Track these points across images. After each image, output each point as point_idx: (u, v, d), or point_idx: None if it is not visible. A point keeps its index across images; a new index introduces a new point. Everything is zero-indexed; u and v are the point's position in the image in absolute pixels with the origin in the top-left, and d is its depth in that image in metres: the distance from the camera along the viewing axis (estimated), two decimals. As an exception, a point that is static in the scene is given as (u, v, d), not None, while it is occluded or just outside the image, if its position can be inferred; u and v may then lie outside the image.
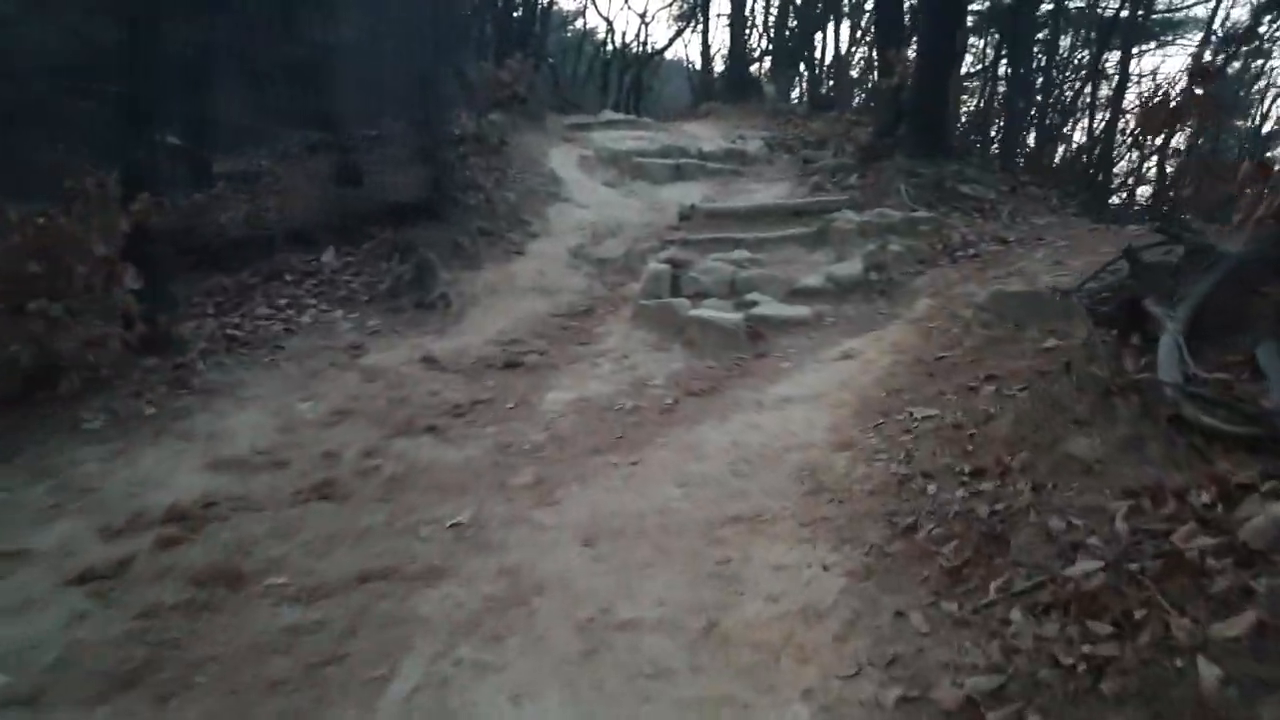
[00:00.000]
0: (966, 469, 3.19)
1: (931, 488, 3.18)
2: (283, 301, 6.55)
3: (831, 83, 14.38)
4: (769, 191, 9.61)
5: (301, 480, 4.10)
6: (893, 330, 5.48)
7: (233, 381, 5.34)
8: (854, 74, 14.01)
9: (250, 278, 6.88)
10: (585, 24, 25.20)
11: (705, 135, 13.81)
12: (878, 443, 3.76)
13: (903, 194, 7.50)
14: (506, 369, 5.60)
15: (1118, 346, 3.31)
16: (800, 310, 5.98)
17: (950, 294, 5.57)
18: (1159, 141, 9.17)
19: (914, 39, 9.35)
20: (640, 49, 25.69)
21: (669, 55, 27.65)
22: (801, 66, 17.68)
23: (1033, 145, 10.26)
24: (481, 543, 3.41)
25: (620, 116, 15.63)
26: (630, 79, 24.93)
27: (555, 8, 23.35)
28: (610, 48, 25.66)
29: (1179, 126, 6.01)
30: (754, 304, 6.13)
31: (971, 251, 6.21)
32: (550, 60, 22.88)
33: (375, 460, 4.30)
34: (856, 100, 13.33)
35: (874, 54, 13.60)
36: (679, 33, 26.83)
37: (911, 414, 3.85)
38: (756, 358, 5.47)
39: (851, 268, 6.43)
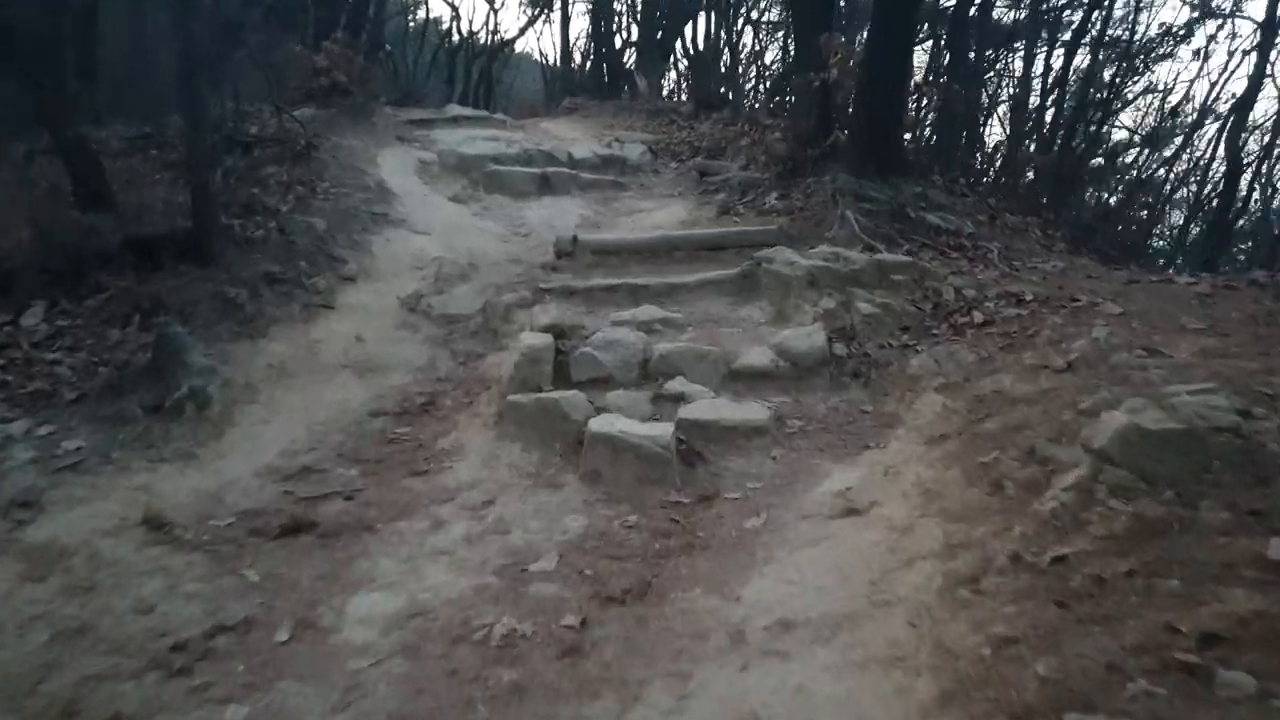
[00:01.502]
0: None
1: None
2: (-85, 405, 4.00)
3: (719, 78, 12.64)
4: (665, 213, 7.62)
5: None
6: (899, 450, 3.60)
7: None
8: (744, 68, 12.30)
9: None
10: (428, 11, 22.47)
11: (572, 137, 11.72)
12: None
13: (852, 223, 5.68)
14: (286, 537, 3.33)
15: None
16: (750, 410, 4.01)
17: (976, 390, 3.73)
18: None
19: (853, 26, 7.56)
20: (490, 38, 23.31)
21: (520, 48, 25.41)
22: (678, 59, 15.86)
23: (987, 160, 8.81)
24: None
25: (469, 112, 13.29)
26: (479, 70, 22.54)
27: (392, -12, 20.63)
28: (456, 36, 23.16)
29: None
30: (681, 397, 4.12)
31: (979, 317, 4.43)
32: (387, 48, 20.21)
33: None
34: (748, 99, 11.66)
35: (788, 43, 11.85)
36: (532, 20, 24.59)
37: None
38: (701, 502, 3.46)
39: (808, 337, 4.51)
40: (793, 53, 9.93)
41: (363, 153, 8.35)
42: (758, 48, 12.96)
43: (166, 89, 7.87)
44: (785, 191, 7.07)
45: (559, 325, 4.57)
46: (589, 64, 17.22)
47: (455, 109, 13.78)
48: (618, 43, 17.96)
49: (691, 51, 11.57)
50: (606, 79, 14.94)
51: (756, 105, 11.39)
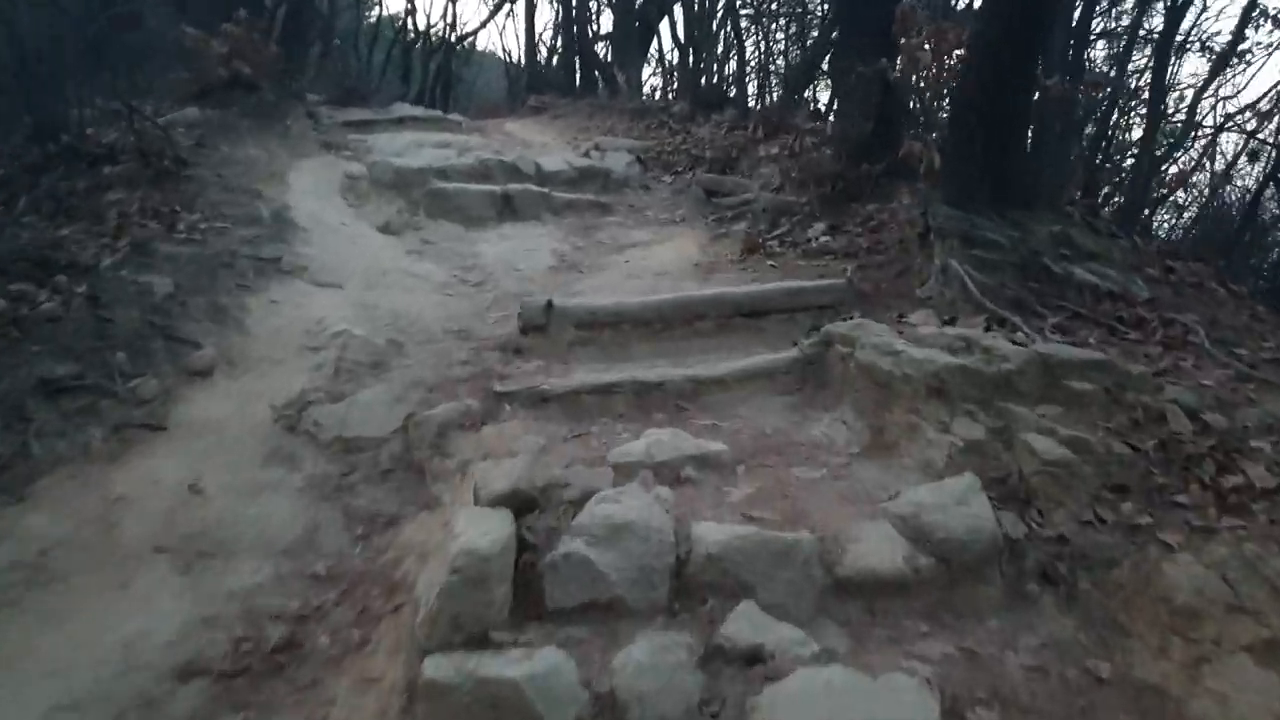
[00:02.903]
0: None
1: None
2: None
3: (719, 73, 10.63)
4: (668, 248, 5.67)
5: None
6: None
7: None
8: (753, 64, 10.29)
9: None
10: (382, 5, 20.28)
11: (541, 142, 9.75)
12: None
13: (962, 279, 3.78)
14: None
15: None
16: (900, 696, 2.07)
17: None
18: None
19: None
20: (448, 31, 21.19)
21: (485, 45, 23.34)
22: (660, 52, 13.90)
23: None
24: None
25: (419, 113, 11.23)
26: (437, 66, 20.42)
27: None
28: (412, 30, 21.02)
29: None
30: (755, 657, 2.18)
31: (1258, 473, 2.52)
32: (337, 42, 18.05)
33: None
34: (755, 98, 9.69)
35: (803, 31, 9.87)
36: (494, 12, 22.48)
37: None
38: None
39: (961, 505, 2.58)
40: (835, 36, 7.99)
41: (264, 167, 6.30)
42: (760, 36, 10.96)
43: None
44: (837, 223, 5.16)
45: (524, 492, 2.59)
46: (557, 58, 15.19)
47: (403, 108, 11.72)
48: (590, 33, 15.99)
49: (679, 41, 9.74)
50: (580, 74, 12.93)
51: (767, 104, 9.44)
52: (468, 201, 6.53)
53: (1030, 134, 4.63)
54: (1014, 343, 3.21)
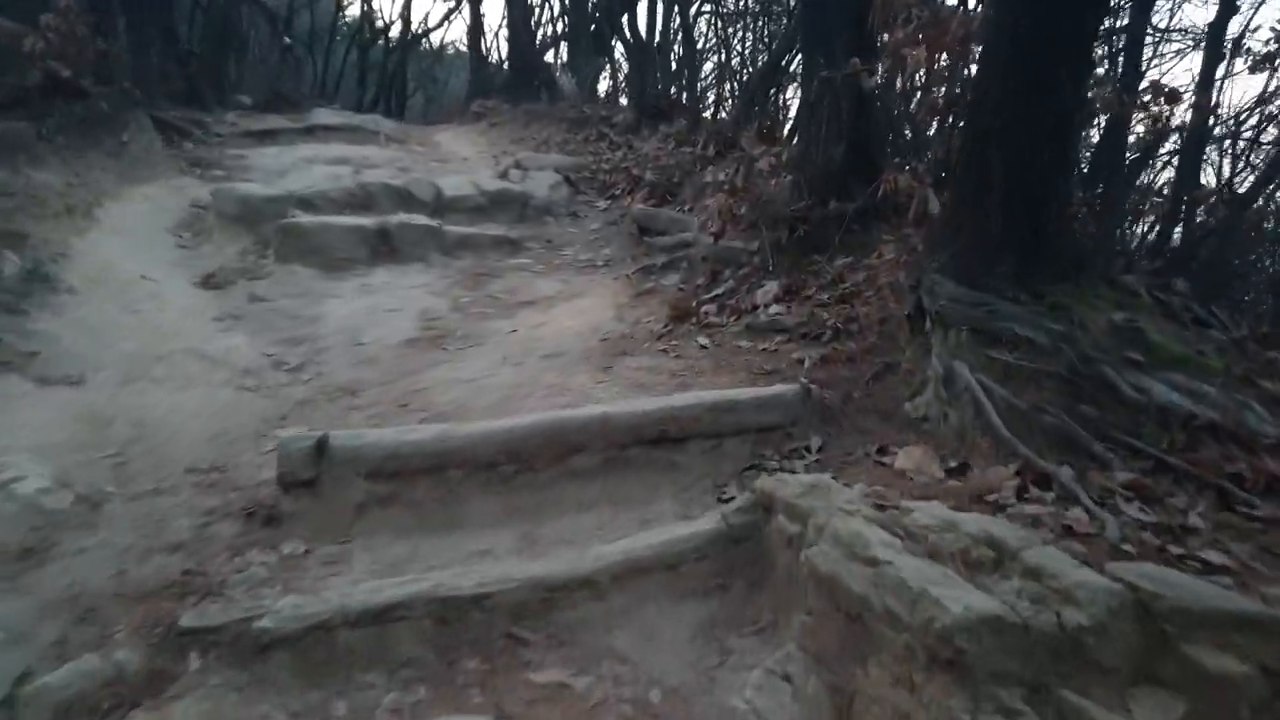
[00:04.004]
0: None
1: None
2: None
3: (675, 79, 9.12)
4: (572, 310, 4.24)
5: None
6: None
7: None
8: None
9: None
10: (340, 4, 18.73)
11: (463, 155, 8.34)
12: None
13: (981, 404, 2.38)
14: None
15: None
16: None
17: None
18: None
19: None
20: (404, 31, 19.76)
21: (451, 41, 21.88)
22: (617, 55, 12.48)
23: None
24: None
25: (337, 120, 9.84)
26: (391, 69, 18.98)
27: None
28: (366, 31, 19.57)
29: None
30: None
31: None
32: (287, 42, 16.59)
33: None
34: (712, 106, 8.20)
35: (768, 29, 8.38)
36: (453, 9, 21.01)
37: None
38: None
39: None
40: (798, 40, 6.56)
41: (57, 200, 4.82)
42: (725, 37, 9.46)
43: None
44: (794, 283, 3.75)
45: None
46: (508, 58, 13.76)
47: (322, 115, 10.31)
48: (543, 34, 14.60)
49: (628, 41, 8.34)
50: (525, 77, 11.47)
51: (726, 116, 7.99)
52: (331, 239, 5.09)
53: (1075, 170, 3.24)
54: (1083, 560, 1.80)
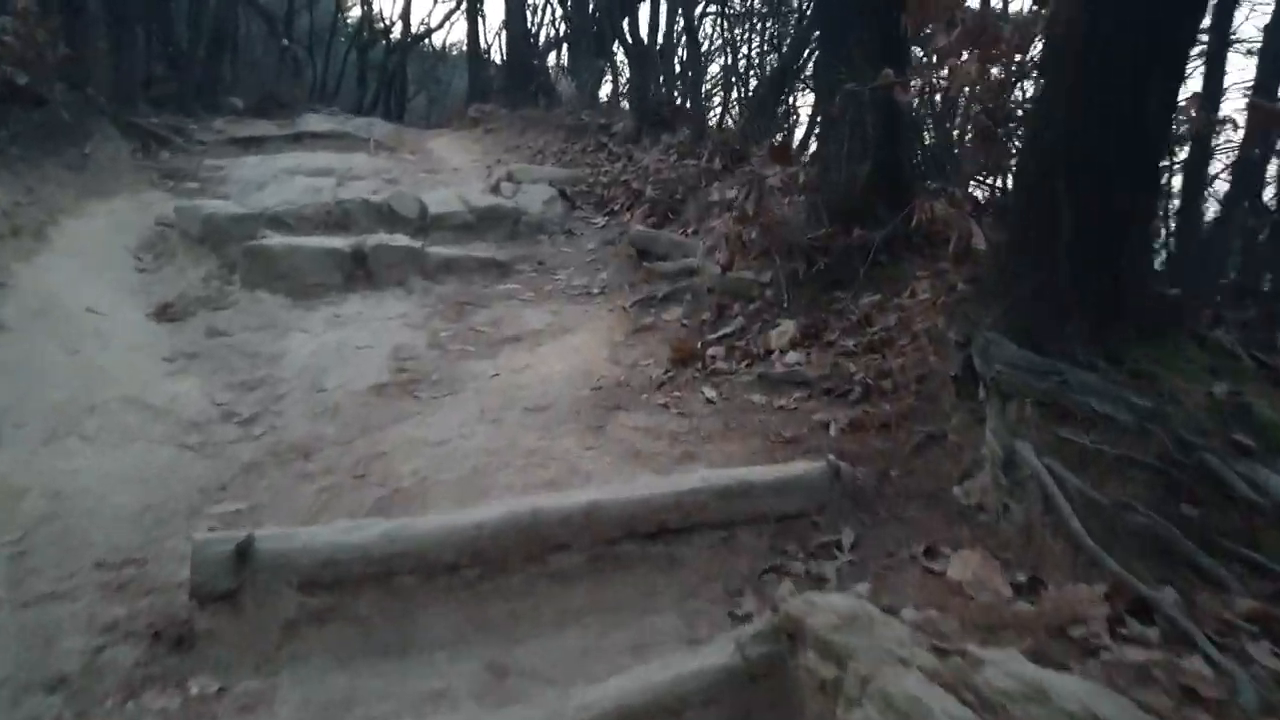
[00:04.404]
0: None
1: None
2: None
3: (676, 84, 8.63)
4: (566, 350, 3.77)
5: None
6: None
7: None
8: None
9: None
10: (339, 3, 18.30)
11: (455, 164, 7.90)
12: None
13: (1054, 497, 1.92)
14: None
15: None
16: None
17: None
18: None
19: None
20: (405, 32, 19.36)
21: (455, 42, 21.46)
22: (619, 57, 12.00)
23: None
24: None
25: (326, 127, 9.43)
26: (390, 71, 18.57)
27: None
28: (365, 31, 19.17)
29: None
30: None
31: None
32: (285, 43, 16.12)
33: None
34: (716, 112, 7.69)
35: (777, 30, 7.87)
36: (451, 12, 20.54)
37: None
38: None
39: None
40: (815, 33, 6.10)
41: (1, 221, 4.38)
42: (731, 40, 8.93)
43: None
44: (814, 323, 3.30)
45: None
46: (505, 60, 13.30)
47: (311, 121, 9.92)
48: (544, 36, 14.15)
49: (629, 43, 7.90)
50: (522, 81, 11.01)
51: (733, 125, 7.50)
52: (301, 263, 4.64)
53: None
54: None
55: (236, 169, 6.87)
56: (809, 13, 6.86)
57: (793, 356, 3.11)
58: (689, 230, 4.88)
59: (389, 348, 3.89)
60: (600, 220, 5.98)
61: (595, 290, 4.67)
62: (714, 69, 9.88)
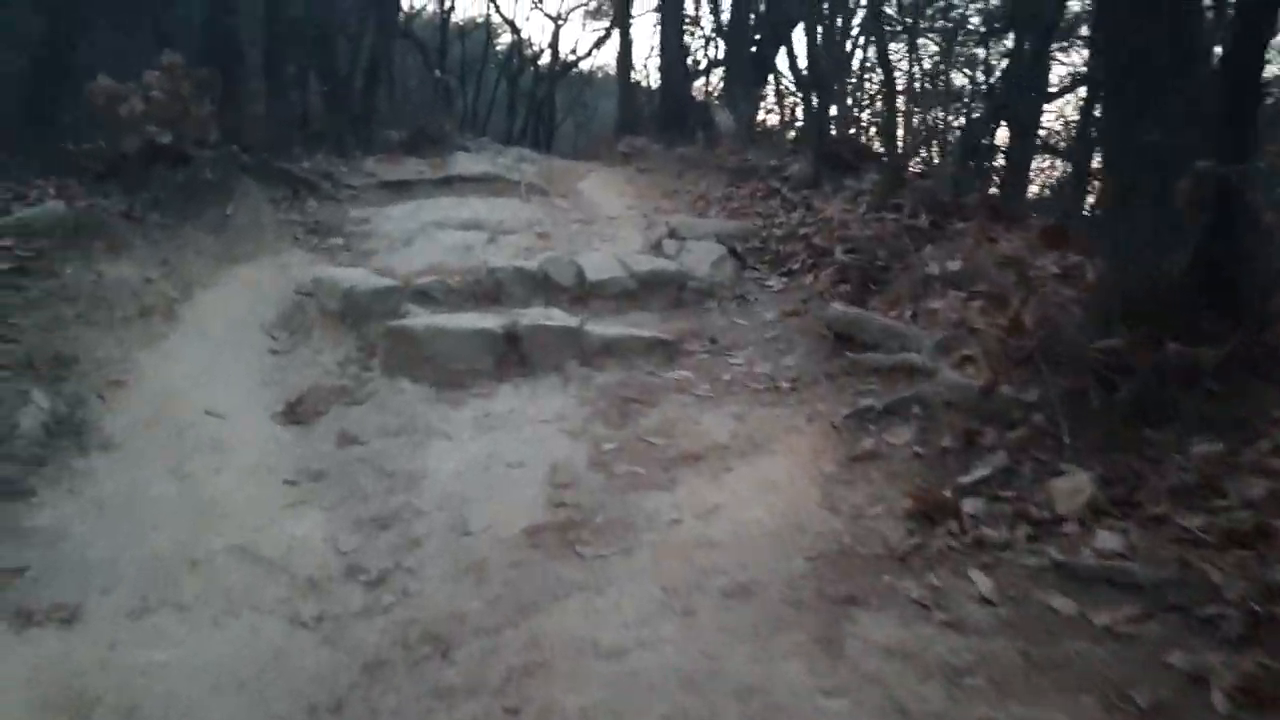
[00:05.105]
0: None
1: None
2: None
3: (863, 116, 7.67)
4: (758, 486, 2.96)
5: None
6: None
7: None
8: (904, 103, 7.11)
9: None
10: (489, 31, 18.41)
11: (608, 213, 7.27)
12: None
13: None
14: None
15: None
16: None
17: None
18: None
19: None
20: (554, 60, 19.28)
21: (600, 66, 21.24)
22: (781, 82, 11.17)
23: None
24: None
25: (478, 169, 8.91)
26: (539, 99, 18.49)
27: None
28: (514, 60, 19.22)
29: None
30: None
31: None
32: (438, 74, 16.22)
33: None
34: (905, 146, 6.66)
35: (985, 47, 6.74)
36: (601, 39, 20.31)
37: None
38: None
39: None
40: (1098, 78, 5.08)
41: (131, 300, 4.03)
42: (940, 69, 7.72)
43: None
44: (1119, 481, 2.36)
45: None
46: (659, 91, 12.68)
47: (461, 161, 9.61)
48: (700, 63, 13.50)
49: (798, 75, 7.03)
50: (677, 112, 10.36)
51: (934, 168, 6.44)
52: (448, 347, 4.06)
53: None
54: None
55: (383, 221, 6.50)
56: (1094, 41, 5.63)
57: (1107, 539, 2.19)
58: (902, 312, 3.99)
59: (545, 468, 3.21)
60: (776, 283, 5.18)
61: (784, 383, 3.85)
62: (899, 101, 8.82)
